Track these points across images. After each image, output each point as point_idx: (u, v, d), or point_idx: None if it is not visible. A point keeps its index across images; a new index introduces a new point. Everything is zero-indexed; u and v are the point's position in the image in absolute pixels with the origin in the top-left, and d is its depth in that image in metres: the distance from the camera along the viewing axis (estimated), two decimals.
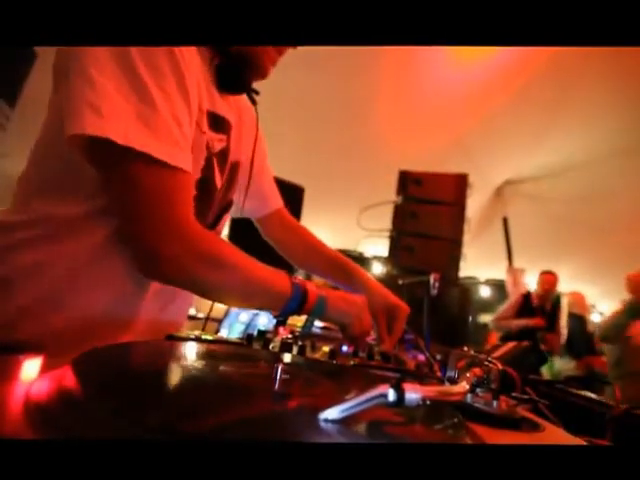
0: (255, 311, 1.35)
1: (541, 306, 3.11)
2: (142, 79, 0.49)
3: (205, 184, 0.64)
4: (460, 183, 2.43)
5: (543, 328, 2.93)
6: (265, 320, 1.30)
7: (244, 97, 0.78)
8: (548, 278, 3.18)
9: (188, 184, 0.56)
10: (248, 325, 1.30)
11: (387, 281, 2.14)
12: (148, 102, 0.50)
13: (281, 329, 0.95)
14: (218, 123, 0.65)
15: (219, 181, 0.69)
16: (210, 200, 0.69)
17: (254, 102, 0.77)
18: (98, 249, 0.58)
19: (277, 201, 0.97)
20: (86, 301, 0.59)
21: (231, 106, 0.71)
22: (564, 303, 3.35)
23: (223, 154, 0.68)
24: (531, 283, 5.49)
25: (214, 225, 0.76)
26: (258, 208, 0.94)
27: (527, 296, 3.19)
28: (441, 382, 0.61)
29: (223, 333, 1.35)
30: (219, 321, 1.47)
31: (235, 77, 0.67)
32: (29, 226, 0.58)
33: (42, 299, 0.57)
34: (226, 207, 0.78)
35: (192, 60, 0.57)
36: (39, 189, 0.59)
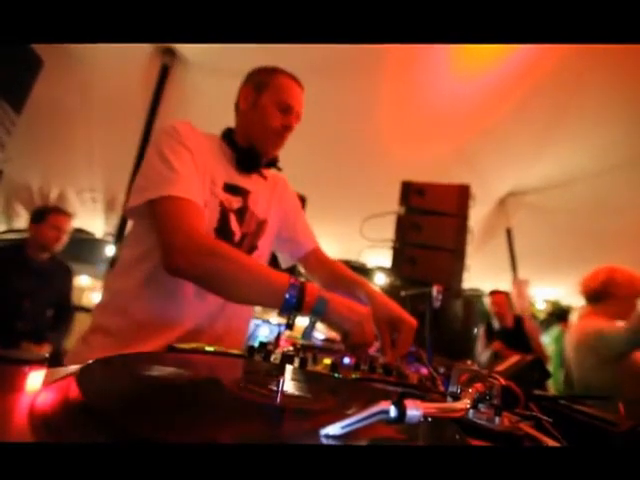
0: (256, 321, 1.35)
1: (502, 328, 3.04)
2: (168, 158, 0.83)
3: (222, 230, 0.91)
4: (463, 194, 2.42)
5: (504, 349, 2.85)
6: (266, 331, 1.29)
7: (277, 175, 1.10)
8: (496, 299, 3.12)
9: (195, 208, 0.81)
10: (249, 336, 1.29)
11: (389, 292, 2.13)
12: (171, 168, 0.82)
13: (282, 341, 0.95)
14: (234, 190, 0.95)
15: (236, 229, 0.94)
16: (229, 242, 0.91)
17: (261, 178, 1.06)
18: (144, 279, 0.87)
19: (311, 244, 1.15)
20: (142, 312, 0.86)
21: (252, 180, 1.01)
22: (573, 318, 3.29)
23: (241, 211, 0.96)
24: (536, 295, 5.45)
25: None
26: (294, 252, 1.14)
27: (488, 324, 3.14)
28: (443, 397, 0.61)
29: None
30: None
31: (246, 164, 0.99)
32: (115, 273, 0.94)
33: (116, 311, 0.88)
34: (250, 250, 0.99)
35: (205, 151, 0.91)
36: (124, 247, 0.96)
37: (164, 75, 3.23)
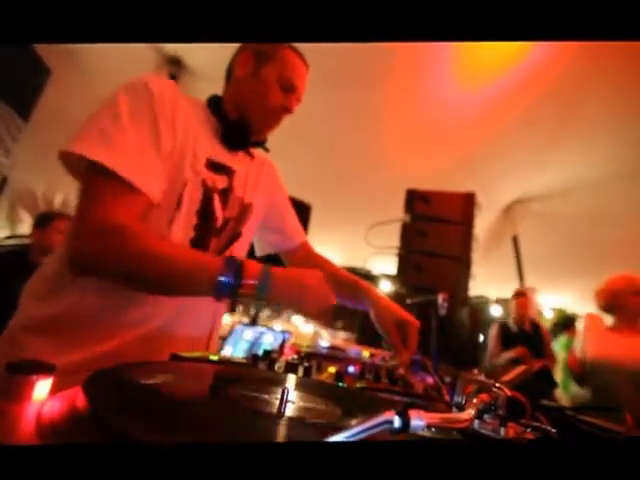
0: (260, 329, 1.35)
1: (520, 331, 2.96)
2: (121, 118, 0.67)
3: (204, 213, 0.79)
4: (468, 201, 2.42)
5: (527, 356, 2.73)
6: (271, 339, 1.29)
7: (263, 156, 0.98)
8: (521, 301, 3.04)
9: (131, 196, 0.65)
10: (253, 344, 1.29)
11: (395, 300, 2.12)
12: (119, 128, 0.66)
13: (287, 349, 0.95)
14: (218, 168, 0.82)
15: (219, 212, 0.82)
16: (210, 227, 0.81)
17: (250, 159, 0.93)
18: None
19: (299, 236, 1.08)
20: (93, 302, 0.71)
21: (238, 158, 0.88)
22: (579, 326, 3.22)
23: (225, 191, 0.84)
24: (542, 302, 5.39)
25: (222, 251, 0.85)
26: (281, 243, 1.07)
27: (504, 325, 3.06)
28: (448, 407, 0.60)
29: (227, 351, 1.34)
30: (223, 338, 1.46)
31: (233, 140, 0.86)
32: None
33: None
34: (234, 237, 0.88)
35: (188, 119, 0.76)
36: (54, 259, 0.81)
37: None
